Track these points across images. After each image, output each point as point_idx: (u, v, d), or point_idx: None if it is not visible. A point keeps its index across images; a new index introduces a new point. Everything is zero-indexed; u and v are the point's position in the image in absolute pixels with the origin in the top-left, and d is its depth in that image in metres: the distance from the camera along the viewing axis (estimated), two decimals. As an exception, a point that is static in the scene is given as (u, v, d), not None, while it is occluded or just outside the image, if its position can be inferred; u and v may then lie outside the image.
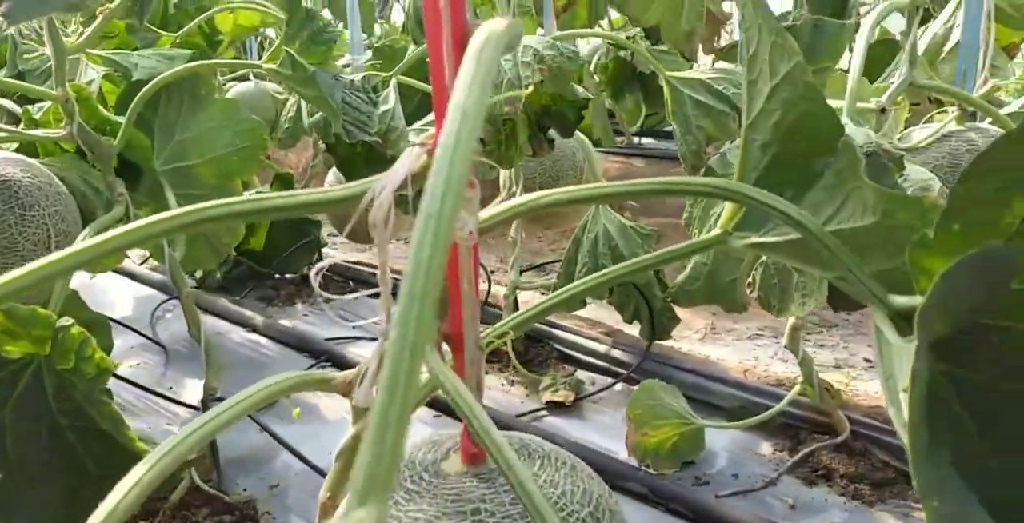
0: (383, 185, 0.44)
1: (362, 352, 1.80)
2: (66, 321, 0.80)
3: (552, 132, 1.44)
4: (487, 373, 1.75)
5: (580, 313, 2.20)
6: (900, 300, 0.50)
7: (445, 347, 0.58)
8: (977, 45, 1.36)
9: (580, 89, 1.36)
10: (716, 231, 0.65)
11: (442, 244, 0.27)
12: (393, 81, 1.50)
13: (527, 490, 0.42)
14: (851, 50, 1.14)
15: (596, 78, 3.25)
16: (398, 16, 4.94)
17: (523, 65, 1.19)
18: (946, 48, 1.53)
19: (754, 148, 0.62)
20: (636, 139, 4.08)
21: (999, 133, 1.25)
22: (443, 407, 1.48)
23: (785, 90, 0.57)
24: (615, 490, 1.24)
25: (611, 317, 1.84)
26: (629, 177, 3.86)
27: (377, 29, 5.01)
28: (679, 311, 1.63)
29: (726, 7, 1.90)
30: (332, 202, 0.46)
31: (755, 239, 0.64)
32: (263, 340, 1.95)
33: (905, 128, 1.41)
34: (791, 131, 0.59)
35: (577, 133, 2.24)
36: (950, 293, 0.39)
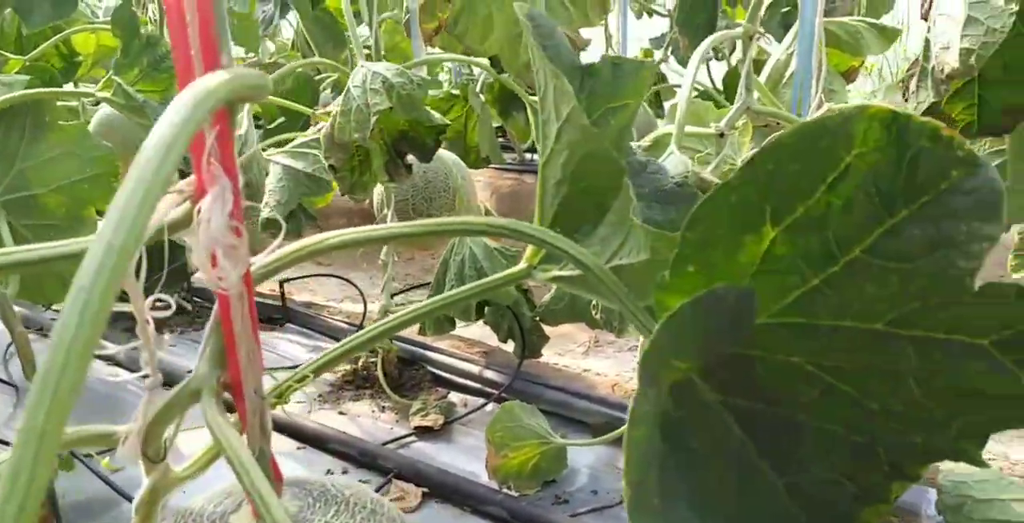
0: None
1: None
2: None
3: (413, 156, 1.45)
4: (358, 400, 1.74)
5: (461, 333, 2.20)
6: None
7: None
8: (811, 71, 1.44)
9: (436, 114, 1.36)
10: (522, 265, 0.66)
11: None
12: (247, 107, 1.47)
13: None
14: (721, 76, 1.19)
15: (482, 97, 3.28)
16: (288, 32, 4.84)
17: (371, 92, 1.19)
18: (787, 73, 1.61)
19: (550, 186, 0.64)
20: (528, 156, 4.13)
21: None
22: (309, 438, 1.45)
23: (568, 132, 0.59)
24: (476, 514, 1.25)
25: (493, 337, 1.85)
26: (521, 193, 3.89)
27: (271, 45, 4.91)
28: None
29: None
30: (62, 257, 0.44)
31: (555, 273, 0.65)
32: (124, 374, 1.86)
33: (753, 149, 1.47)
34: (578, 171, 0.60)
35: (452, 154, 2.25)
36: (679, 335, 0.41)
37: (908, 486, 0.56)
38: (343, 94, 1.22)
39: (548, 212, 0.65)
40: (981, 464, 0.53)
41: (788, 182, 0.41)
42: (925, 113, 0.94)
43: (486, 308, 1.73)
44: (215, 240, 0.47)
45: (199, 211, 0.48)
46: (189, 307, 2.25)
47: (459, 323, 1.75)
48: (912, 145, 0.40)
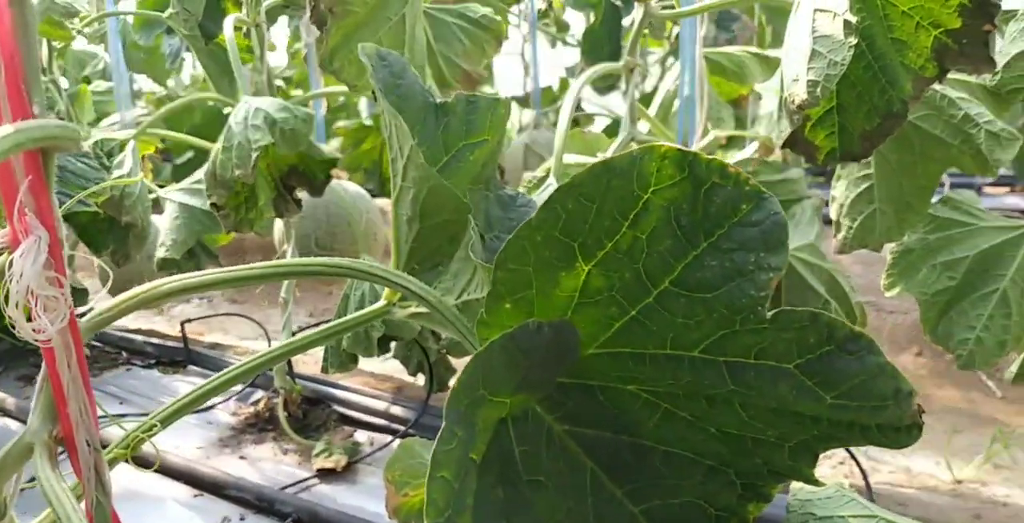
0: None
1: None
2: None
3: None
4: (260, 443, 1.70)
5: (374, 369, 2.18)
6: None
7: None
8: (695, 100, 1.49)
9: (325, 147, 1.36)
10: (382, 302, 0.66)
11: None
12: (131, 144, 1.44)
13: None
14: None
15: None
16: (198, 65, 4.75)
17: (253, 128, 1.18)
18: (677, 102, 1.66)
19: (403, 223, 0.64)
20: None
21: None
22: (206, 485, 1.41)
23: (411, 169, 0.60)
24: (379, 556, 1.23)
25: (405, 371, 1.83)
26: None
27: (186, 78, 4.82)
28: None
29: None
30: None
31: (412, 309, 0.65)
32: (16, 426, 1.78)
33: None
34: (425, 208, 0.61)
35: (356, 186, 2.24)
36: (491, 372, 0.41)
37: (764, 506, 0.57)
38: (225, 130, 1.21)
39: (404, 249, 0.65)
40: (814, 482, 0.55)
41: (591, 219, 0.42)
42: (788, 140, 0.99)
43: (394, 342, 1.71)
44: (26, 292, 0.46)
45: (10, 264, 0.46)
46: (86, 351, 2.17)
47: (384, 357, 1.72)
48: (705, 181, 0.42)
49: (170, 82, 4.45)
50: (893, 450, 1.87)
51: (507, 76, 4.44)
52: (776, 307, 1.31)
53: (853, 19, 0.83)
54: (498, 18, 1.82)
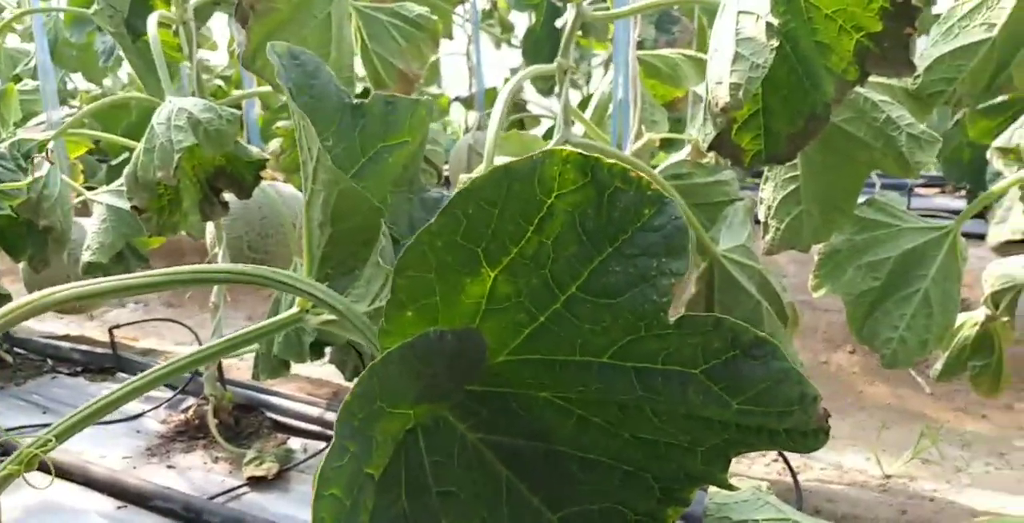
0: None
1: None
2: None
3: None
4: (190, 452, 1.65)
5: (310, 374, 2.14)
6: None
7: None
8: (629, 102, 1.49)
9: (254, 148, 1.33)
10: (295, 309, 0.64)
11: None
12: (52, 145, 1.38)
13: None
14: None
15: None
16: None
17: (176, 129, 1.14)
18: (612, 105, 1.67)
19: (315, 227, 0.62)
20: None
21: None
22: (131, 496, 1.36)
23: (321, 171, 0.58)
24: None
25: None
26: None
27: (125, 76, 4.67)
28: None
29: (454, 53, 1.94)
30: None
31: (324, 316, 0.63)
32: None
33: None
34: (337, 211, 0.59)
35: (293, 189, 2.19)
36: (388, 383, 0.40)
37: (682, 510, 0.57)
38: (147, 131, 1.17)
39: (316, 254, 0.64)
40: (728, 486, 0.55)
41: (493, 224, 0.41)
42: (714, 143, 0.99)
43: (329, 347, 1.68)
44: None
45: None
46: (9, 359, 2.09)
47: (321, 361, 1.69)
48: (608, 185, 0.41)
49: (107, 81, 4.32)
50: (825, 447, 1.90)
51: (453, 77, 4.42)
52: (709, 309, 1.32)
53: (775, 21, 0.83)
54: (434, 18, 1.80)
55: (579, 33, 3.64)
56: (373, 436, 0.39)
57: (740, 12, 0.86)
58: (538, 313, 0.46)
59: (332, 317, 0.61)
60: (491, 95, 4.14)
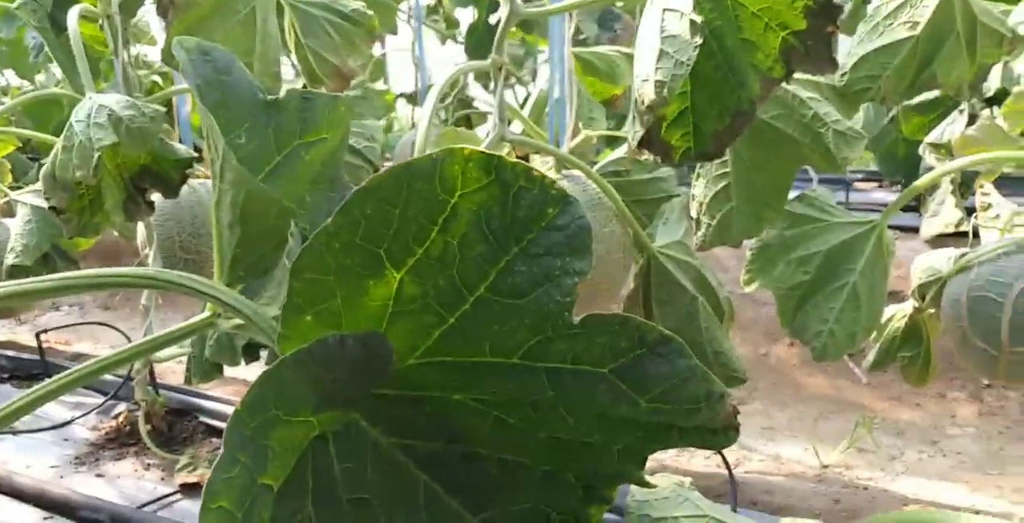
0: None
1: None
2: None
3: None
4: (120, 459, 1.60)
5: (246, 376, 2.10)
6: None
7: None
8: (565, 99, 1.49)
9: (181, 147, 1.29)
10: (207, 313, 0.62)
11: None
12: (-34, 143, 1.33)
13: None
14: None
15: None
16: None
17: (96, 126, 1.10)
18: (549, 102, 1.66)
19: (224, 228, 0.60)
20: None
21: (587, 181, 1.37)
22: (59, 507, 1.32)
23: (228, 171, 0.56)
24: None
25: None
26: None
27: (57, 72, 4.52)
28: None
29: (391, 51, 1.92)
30: None
31: (236, 320, 0.61)
32: None
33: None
34: (245, 212, 0.57)
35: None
36: (284, 390, 0.39)
37: (606, 508, 0.57)
38: (66, 129, 1.13)
39: (227, 256, 0.62)
40: (644, 484, 0.54)
41: (395, 225, 0.40)
42: (643, 140, 0.99)
43: (264, 348, 1.65)
44: None
45: None
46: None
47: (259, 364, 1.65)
48: (512, 184, 0.40)
49: (40, 77, 4.18)
50: (764, 438, 1.94)
51: (401, 72, 4.38)
52: (646, 304, 1.32)
53: (699, 19, 0.84)
54: (370, 13, 1.77)
55: (524, 29, 3.62)
56: (268, 445, 0.38)
57: (665, 9, 0.86)
58: (447, 315, 0.45)
59: (242, 322, 0.60)
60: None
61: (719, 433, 0.45)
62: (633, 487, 0.66)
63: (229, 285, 0.61)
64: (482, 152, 0.39)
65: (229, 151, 0.53)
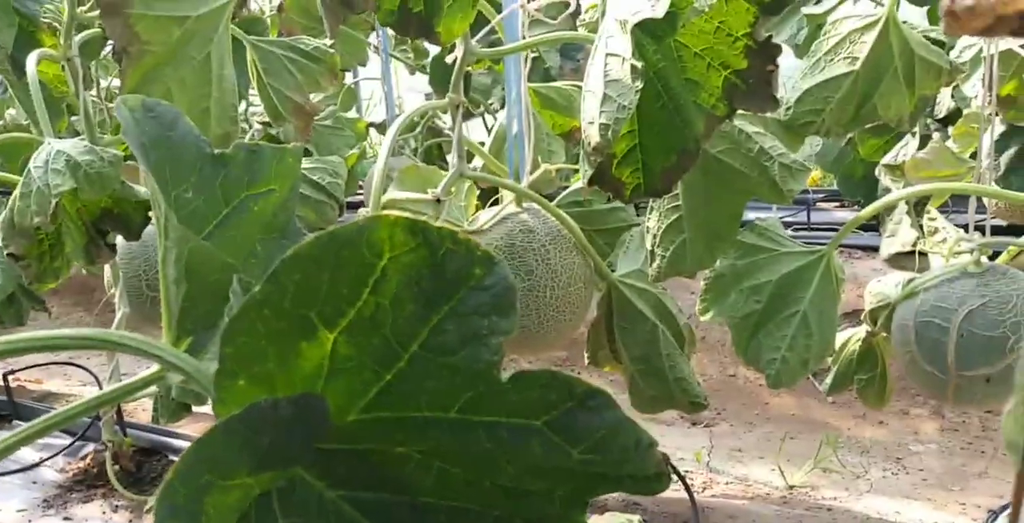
0: None
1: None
2: None
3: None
4: (88, 501, 1.59)
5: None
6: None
7: None
8: (524, 134, 1.52)
9: (142, 189, 1.30)
10: (155, 368, 0.63)
11: None
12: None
13: None
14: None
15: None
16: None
17: (53, 173, 1.11)
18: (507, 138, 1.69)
19: (171, 284, 0.61)
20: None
21: (545, 215, 1.39)
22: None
23: (171, 229, 0.57)
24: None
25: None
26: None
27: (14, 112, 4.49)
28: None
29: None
30: None
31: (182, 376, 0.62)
32: None
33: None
34: (190, 268, 0.59)
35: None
36: (218, 457, 0.40)
37: (557, 550, 0.58)
38: (24, 175, 1.13)
39: (175, 311, 0.63)
40: (588, 528, 0.56)
41: (325, 289, 0.42)
42: (595, 177, 1.02)
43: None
44: None
45: None
46: None
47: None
48: (439, 247, 0.42)
49: (11, 111, 4.16)
50: (733, 460, 1.96)
51: (374, 99, 4.42)
52: (609, 332, 1.33)
53: (639, 64, 0.87)
54: (332, 51, 1.80)
55: (491, 59, 3.67)
56: (203, 511, 0.39)
57: (608, 54, 0.89)
58: (383, 372, 0.46)
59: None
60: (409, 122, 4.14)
61: (651, 480, 0.47)
62: None
63: (178, 338, 0.62)
64: (407, 217, 0.41)
65: (171, 211, 0.54)
